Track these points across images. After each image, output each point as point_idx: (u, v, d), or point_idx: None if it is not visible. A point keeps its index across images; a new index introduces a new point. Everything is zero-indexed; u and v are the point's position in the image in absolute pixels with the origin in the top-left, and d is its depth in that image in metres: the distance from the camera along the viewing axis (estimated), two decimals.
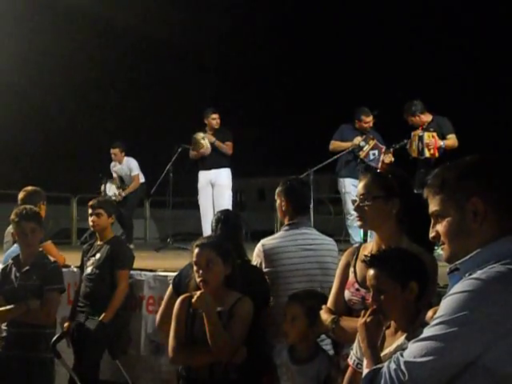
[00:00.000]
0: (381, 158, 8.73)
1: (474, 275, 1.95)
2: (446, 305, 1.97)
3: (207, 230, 9.58)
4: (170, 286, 4.52)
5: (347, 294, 3.47)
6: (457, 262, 2.07)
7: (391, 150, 8.83)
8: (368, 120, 8.95)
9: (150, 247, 10.80)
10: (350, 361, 3.13)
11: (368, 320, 2.88)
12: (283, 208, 4.66)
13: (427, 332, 1.98)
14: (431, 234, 2.16)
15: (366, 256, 3.11)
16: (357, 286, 3.42)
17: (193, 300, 3.81)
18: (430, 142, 8.17)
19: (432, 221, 2.15)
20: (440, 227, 2.11)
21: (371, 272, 2.96)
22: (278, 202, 4.70)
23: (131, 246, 10.40)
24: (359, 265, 3.46)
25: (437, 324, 1.96)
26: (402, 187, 3.41)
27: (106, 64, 25.07)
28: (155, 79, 27.14)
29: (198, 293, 3.81)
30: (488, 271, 1.94)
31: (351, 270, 3.52)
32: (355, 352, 3.09)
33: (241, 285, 4.08)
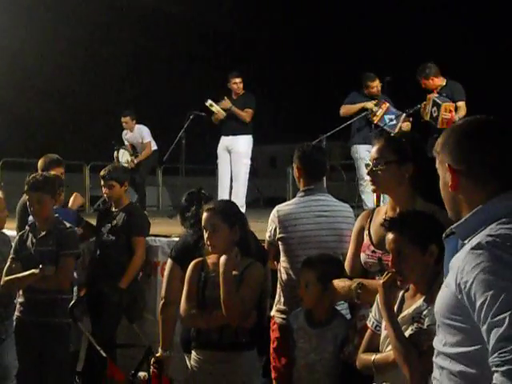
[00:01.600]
0: (399, 125, 8.63)
1: (475, 247, 1.91)
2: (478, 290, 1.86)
3: (223, 195, 9.58)
4: (169, 259, 4.48)
5: (363, 257, 3.50)
6: (452, 226, 2.07)
7: (410, 118, 8.73)
8: (374, 85, 8.84)
9: (163, 214, 10.83)
10: (369, 323, 3.16)
11: (383, 280, 2.93)
12: (298, 174, 4.65)
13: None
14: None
15: (385, 220, 3.11)
16: (372, 248, 3.45)
17: (222, 260, 3.84)
18: (446, 115, 8.07)
19: None
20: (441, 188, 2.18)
21: (390, 235, 2.98)
22: (294, 168, 4.69)
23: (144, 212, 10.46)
24: (374, 227, 3.50)
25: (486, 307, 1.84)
26: (415, 151, 3.40)
27: (118, 32, 24.93)
28: (168, 45, 26.94)
29: (225, 256, 3.85)
30: (487, 238, 1.91)
31: (366, 232, 3.54)
32: (374, 314, 3.13)
33: (255, 250, 4.12)
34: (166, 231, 6.82)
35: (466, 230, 2.02)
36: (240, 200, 9.61)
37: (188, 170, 13.30)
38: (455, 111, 8.20)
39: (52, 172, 6.22)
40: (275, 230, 4.56)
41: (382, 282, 3.01)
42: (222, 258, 3.86)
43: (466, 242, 2.01)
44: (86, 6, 23.29)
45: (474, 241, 1.94)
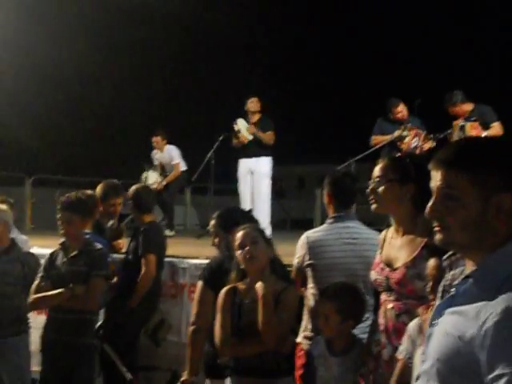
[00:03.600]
0: (418, 144, 8.62)
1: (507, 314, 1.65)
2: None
3: None
4: (201, 282, 4.46)
5: (373, 275, 3.55)
6: (468, 273, 1.84)
7: (432, 137, 8.71)
8: (398, 110, 8.86)
9: (191, 234, 10.86)
10: (401, 355, 3.13)
11: (425, 317, 2.91)
12: (328, 201, 4.64)
13: None
14: (430, 211, 1.86)
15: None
16: (382, 265, 3.49)
17: (258, 286, 3.83)
18: (472, 133, 8.05)
19: (435, 195, 1.85)
20: (450, 209, 1.81)
21: (432, 262, 2.97)
22: (324, 194, 4.69)
23: (172, 233, 10.52)
24: (386, 246, 3.55)
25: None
26: (418, 172, 3.40)
27: (149, 50, 25.19)
28: (199, 66, 27.13)
29: (260, 283, 3.84)
30: None
31: (378, 251, 3.60)
32: (406, 346, 3.10)
33: (285, 275, 4.12)
34: (194, 252, 6.84)
35: (488, 278, 1.75)
36: (264, 221, 9.66)
37: (216, 189, 13.34)
38: (486, 130, 8.16)
39: (110, 202, 6.28)
40: (304, 256, 4.54)
41: (424, 317, 3.00)
42: (259, 284, 3.85)
43: (491, 292, 1.72)
44: (120, 21, 23.57)
45: (502, 302, 1.67)
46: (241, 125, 9.75)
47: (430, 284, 2.96)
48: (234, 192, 12.33)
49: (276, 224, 11.75)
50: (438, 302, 2.09)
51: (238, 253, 3.95)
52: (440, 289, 2.41)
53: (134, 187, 6.45)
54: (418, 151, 8.59)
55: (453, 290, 1.88)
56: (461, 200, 1.78)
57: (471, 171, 1.77)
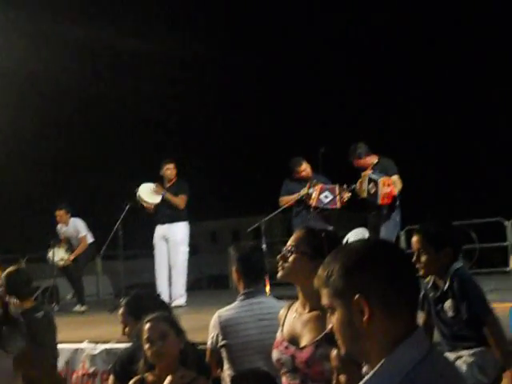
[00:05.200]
0: (337, 198, 8.64)
1: None
2: None
3: (160, 285, 9.43)
4: (112, 376, 4.31)
5: (276, 354, 3.38)
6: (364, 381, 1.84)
7: (345, 186, 8.75)
8: (302, 169, 8.94)
9: (104, 306, 10.49)
10: None
11: None
12: (237, 277, 4.55)
13: None
14: (328, 326, 2.02)
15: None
16: (286, 343, 3.34)
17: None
18: (386, 190, 8.11)
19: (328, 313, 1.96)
20: (333, 324, 1.91)
21: (334, 353, 2.87)
22: (233, 270, 4.59)
23: (83, 308, 10.19)
24: (288, 322, 3.42)
25: None
26: (331, 249, 3.35)
27: (52, 121, 24.79)
28: (103, 134, 26.90)
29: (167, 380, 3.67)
30: None
31: (280, 329, 3.45)
32: None
33: (195, 363, 3.98)
34: (106, 334, 6.56)
35: None
36: (180, 290, 9.54)
37: (127, 255, 13.08)
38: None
39: None
40: (217, 336, 4.42)
41: None
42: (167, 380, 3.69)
43: None
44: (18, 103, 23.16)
45: None
46: (142, 190, 9.59)
47: (334, 375, 2.89)
48: (145, 255, 12.15)
49: (191, 284, 11.58)
50: None
51: (146, 347, 3.81)
52: None
53: (6, 271, 6.00)
54: (339, 204, 8.62)
55: None
56: (335, 314, 1.89)
57: (332, 285, 1.91)
